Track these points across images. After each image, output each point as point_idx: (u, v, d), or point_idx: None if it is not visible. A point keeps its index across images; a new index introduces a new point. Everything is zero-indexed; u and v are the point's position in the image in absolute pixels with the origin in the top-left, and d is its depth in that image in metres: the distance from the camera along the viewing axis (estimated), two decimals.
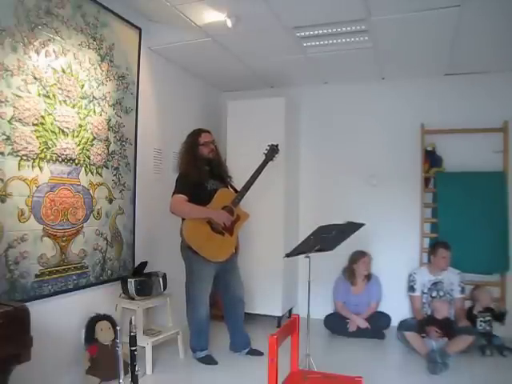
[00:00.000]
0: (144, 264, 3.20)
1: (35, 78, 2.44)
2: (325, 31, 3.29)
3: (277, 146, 3.44)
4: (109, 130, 3.08)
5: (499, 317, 3.55)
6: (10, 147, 2.30)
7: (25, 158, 2.39)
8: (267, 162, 3.35)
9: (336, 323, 3.95)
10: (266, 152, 3.39)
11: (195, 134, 3.27)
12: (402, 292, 4.04)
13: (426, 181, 4.21)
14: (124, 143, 3.24)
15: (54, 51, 2.57)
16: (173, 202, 3.08)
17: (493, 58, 3.73)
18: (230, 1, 2.89)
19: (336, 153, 4.55)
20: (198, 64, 4.06)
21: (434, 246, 3.73)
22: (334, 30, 3.26)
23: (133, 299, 3.05)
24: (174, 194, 3.10)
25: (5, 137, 2.27)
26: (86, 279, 2.86)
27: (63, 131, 2.66)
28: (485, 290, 3.72)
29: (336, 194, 4.51)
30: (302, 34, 3.33)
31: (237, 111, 4.31)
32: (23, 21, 2.35)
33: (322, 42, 3.48)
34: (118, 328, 2.20)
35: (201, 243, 3.08)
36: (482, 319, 3.52)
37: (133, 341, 2.10)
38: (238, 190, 3.28)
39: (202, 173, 3.16)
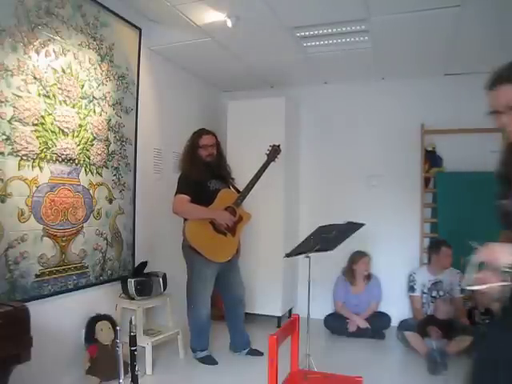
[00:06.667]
0: (144, 264, 3.20)
1: (35, 78, 2.44)
2: (325, 31, 3.29)
3: (279, 146, 3.44)
4: (109, 130, 3.08)
5: None
6: (10, 147, 2.30)
7: (25, 158, 2.39)
8: (269, 163, 3.35)
9: (336, 323, 3.95)
10: (267, 152, 3.39)
11: (196, 136, 3.25)
12: (402, 292, 4.04)
13: (426, 181, 4.21)
14: (124, 143, 3.24)
15: (54, 51, 2.57)
16: (175, 202, 3.08)
17: (493, 58, 3.71)
18: (230, 1, 2.89)
19: (336, 153, 4.56)
20: (197, 64, 4.06)
21: (436, 245, 3.71)
22: (334, 29, 3.26)
23: (133, 299, 3.05)
24: (176, 194, 3.10)
25: (5, 137, 2.27)
26: (85, 279, 2.86)
27: (63, 131, 2.66)
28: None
29: (336, 194, 4.51)
30: (302, 34, 3.33)
31: (237, 111, 4.31)
32: (23, 21, 2.35)
33: (321, 42, 3.48)
34: (118, 328, 2.20)
35: (203, 243, 3.08)
36: (481, 322, 3.53)
37: (133, 341, 2.11)
38: (240, 190, 3.28)
39: (202, 173, 3.15)
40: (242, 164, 3.62)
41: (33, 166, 2.45)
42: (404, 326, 3.55)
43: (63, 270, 2.67)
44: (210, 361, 3.17)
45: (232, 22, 3.04)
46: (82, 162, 2.82)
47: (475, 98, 4.10)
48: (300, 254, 2.85)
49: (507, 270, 1.22)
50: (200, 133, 3.27)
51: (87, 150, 2.87)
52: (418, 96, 4.25)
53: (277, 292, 4.10)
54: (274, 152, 3.40)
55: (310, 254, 2.83)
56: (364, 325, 3.84)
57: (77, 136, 2.78)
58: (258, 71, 4.27)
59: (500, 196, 1.41)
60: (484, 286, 1.26)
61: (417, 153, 4.23)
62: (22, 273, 2.38)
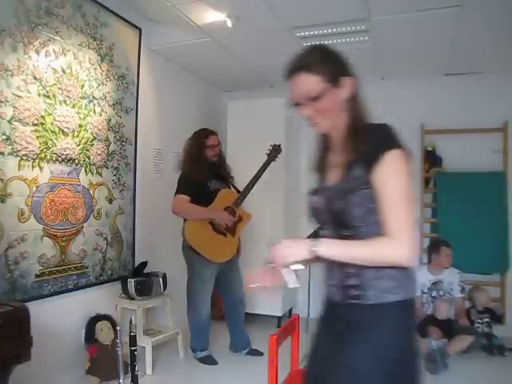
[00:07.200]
0: (144, 264, 3.20)
1: (35, 78, 2.44)
2: (325, 31, 3.29)
3: (279, 146, 3.43)
4: (109, 130, 3.08)
5: (497, 319, 3.57)
6: (10, 147, 2.30)
7: (25, 158, 2.39)
8: (270, 163, 3.34)
9: None
10: (268, 152, 3.38)
11: (203, 136, 3.23)
12: None
13: (426, 181, 4.21)
14: (124, 143, 3.24)
15: (54, 51, 2.57)
16: (175, 202, 3.08)
17: (493, 58, 3.73)
18: (230, 1, 2.90)
19: None
20: (197, 64, 4.06)
21: (436, 245, 3.71)
22: (334, 29, 3.26)
23: (133, 299, 3.05)
24: (176, 194, 3.10)
25: (5, 137, 2.27)
26: (85, 279, 2.86)
27: (63, 131, 2.66)
28: (482, 290, 3.72)
29: None
30: (302, 34, 3.33)
31: (237, 111, 4.31)
32: (23, 21, 2.35)
33: (321, 42, 3.47)
34: (118, 328, 2.21)
35: (202, 243, 3.08)
36: (479, 321, 3.54)
37: (133, 341, 2.11)
38: (241, 190, 3.28)
39: (205, 173, 3.15)
40: (242, 164, 3.61)
41: (33, 166, 2.45)
42: None
43: (63, 269, 2.67)
44: (209, 361, 3.17)
45: (232, 22, 3.04)
46: (81, 162, 2.82)
47: (475, 98, 4.14)
48: None
49: (293, 268, 1.17)
50: (205, 133, 3.25)
51: (87, 150, 2.87)
52: (418, 96, 4.24)
53: (277, 292, 4.09)
54: (275, 152, 3.39)
55: None
56: None
57: (77, 136, 2.77)
58: (257, 71, 4.26)
59: (311, 191, 1.31)
60: (256, 285, 1.23)
61: (417, 153, 4.22)
62: (22, 273, 2.38)
